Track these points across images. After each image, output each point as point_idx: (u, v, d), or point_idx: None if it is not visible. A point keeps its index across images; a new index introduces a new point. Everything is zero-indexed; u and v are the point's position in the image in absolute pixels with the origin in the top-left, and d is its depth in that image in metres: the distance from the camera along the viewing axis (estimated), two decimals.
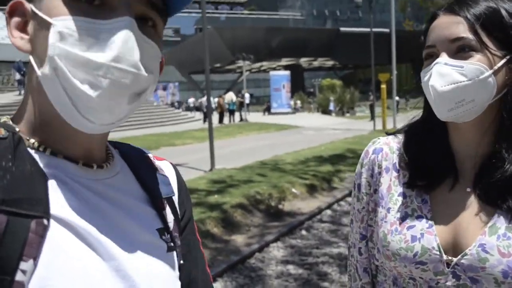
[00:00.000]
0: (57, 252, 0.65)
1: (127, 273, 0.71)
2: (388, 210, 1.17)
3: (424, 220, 1.11)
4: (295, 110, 37.46)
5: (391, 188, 1.19)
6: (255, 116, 32.18)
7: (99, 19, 0.66)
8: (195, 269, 0.90)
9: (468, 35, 1.05)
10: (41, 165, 0.69)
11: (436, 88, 1.05)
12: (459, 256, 1.07)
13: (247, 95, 31.45)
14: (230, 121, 28.71)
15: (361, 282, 1.28)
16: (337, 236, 6.42)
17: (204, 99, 25.04)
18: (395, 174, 1.20)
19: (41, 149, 0.71)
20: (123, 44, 0.65)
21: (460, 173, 1.13)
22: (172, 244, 0.82)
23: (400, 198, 1.16)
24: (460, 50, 1.06)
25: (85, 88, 0.65)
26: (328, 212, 7.66)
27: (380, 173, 1.22)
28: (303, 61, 51.55)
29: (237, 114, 30.18)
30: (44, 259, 0.63)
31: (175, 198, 0.89)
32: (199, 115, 31.31)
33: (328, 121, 28.01)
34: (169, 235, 0.82)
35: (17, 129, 0.71)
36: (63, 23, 0.66)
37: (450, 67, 1.05)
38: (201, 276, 0.91)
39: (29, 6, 0.70)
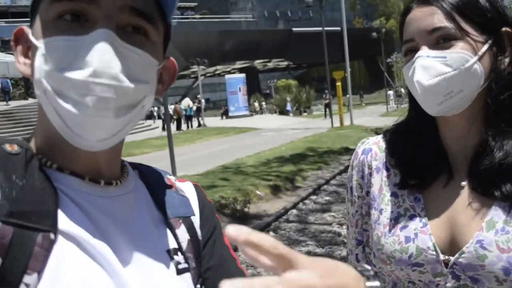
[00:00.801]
0: (62, 267, 0.64)
1: None
2: (381, 211, 1.11)
3: (417, 219, 1.06)
4: (261, 111, 37.69)
5: (383, 189, 1.14)
6: (213, 121, 32.06)
7: (79, 35, 0.66)
8: None
9: (446, 24, 1.00)
10: (52, 180, 0.69)
11: (422, 83, 1.00)
12: (456, 255, 1.01)
13: (202, 101, 31.24)
14: (188, 127, 28.50)
15: None
16: (305, 234, 6.44)
17: (160, 107, 24.71)
18: (386, 173, 1.15)
19: (48, 164, 0.72)
20: (100, 58, 0.65)
21: (454, 167, 1.08)
22: (186, 265, 0.80)
23: (392, 198, 1.11)
24: (440, 40, 1.01)
25: (69, 106, 0.66)
26: (294, 211, 7.67)
27: (370, 174, 1.16)
28: (258, 63, 51.86)
29: (194, 120, 29.99)
30: (48, 273, 0.63)
31: (195, 219, 0.87)
32: (152, 123, 30.87)
33: (286, 121, 28.22)
34: (182, 256, 0.80)
35: (31, 146, 0.72)
36: (46, 45, 0.67)
37: (433, 59, 0.99)
38: None
39: (28, 32, 0.72)
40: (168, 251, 0.79)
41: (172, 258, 0.78)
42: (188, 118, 28.90)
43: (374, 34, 35.15)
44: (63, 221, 0.67)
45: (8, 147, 0.68)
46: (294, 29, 53.30)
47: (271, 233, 6.61)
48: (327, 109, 25.98)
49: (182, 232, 0.82)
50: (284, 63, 53.71)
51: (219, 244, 0.88)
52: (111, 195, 0.75)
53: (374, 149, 1.18)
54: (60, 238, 0.66)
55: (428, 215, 1.06)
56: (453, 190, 1.06)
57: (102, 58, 0.65)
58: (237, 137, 20.01)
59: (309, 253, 5.59)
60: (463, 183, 1.06)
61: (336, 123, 21.47)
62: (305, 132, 19.73)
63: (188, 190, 0.91)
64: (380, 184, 1.14)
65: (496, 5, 1.03)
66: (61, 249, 0.65)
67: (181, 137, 20.84)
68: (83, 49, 0.65)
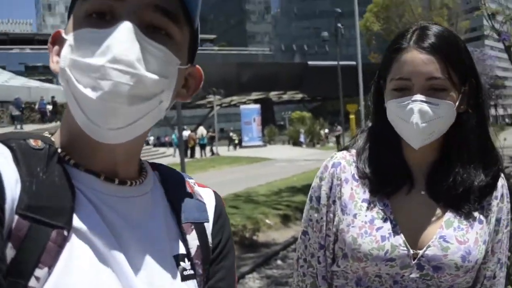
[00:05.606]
0: (73, 264, 0.66)
1: None
2: (355, 216, 1.25)
3: (389, 222, 1.24)
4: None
5: (354, 196, 1.28)
6: (226, 150, 32.20)
7: (103, 28, 0.69)
8: None
9: (441, 75, 1.17)
10: (70, 177, 0.71)
11: (418, 125, 1.18)
12: (424, 248, 1.21)
13: (204, 132, 30.53)
14: (201, 155, 28.65)
15: None
16: None
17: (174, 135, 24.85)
18: (355, 183, 1.30)
19: (67, 159, 0.74)
20: (119, 45, 0.67)
21: (415, 179, 1.28)
22: (192, 271, 0.80)
23: (365, 204, 1.27)
24: (432, 87, 1.18)
25: (88, 91, 0.67)
26: None
27: (339, 185, 1.30)
28: (273, 94, 52.17)
29: (208, 149, 30.13)
30: (58, 268, 0.64)
31: (209, 226, 0.87)
32: (166, 150, 31.08)
33: (300, 152, 28.24)
34: (189, 262, 0.81)
35: (55, 141, 0.75)
36: (72, 36, 0.71)
37: (429, 105, 1.17)
38: None
39: (62, 32, 0.76)
40: (176, 257, 0.79)
41: (178, 264, 0.79)
42: (202, 147, 29.07)
43: None
44: (78, 219, 0.68)
45: (32, 142, 0.71)
46: (310, 62, 53.86)
47: (279, 261, 6.62)
48: (339, 141, 26.04)
49: (193, 238, 0.83)
50: (299, 96, 53.98)
51: (229, 262, 0.89)
52: (127, 195, 0.76)
53: (342, 163, 1.33)
54: (73, 236, 0.67)
55: (396, 218, 1.24)
56: (414, 198, 1.27)
57: (122, 46, 0.67)
58: (250, 167, 20.07)
59: None
60: (422, 192, 1.27)
61: None
62: (318, 163, 19.44)
63: (208, 196, 0.91)
64: (351, 193, 1.29)
65: (469, 55, 1.24)
66: (73, 246, 0.67)
67: (194, 165, 20.95)
68: (105, 39, 0.68)
